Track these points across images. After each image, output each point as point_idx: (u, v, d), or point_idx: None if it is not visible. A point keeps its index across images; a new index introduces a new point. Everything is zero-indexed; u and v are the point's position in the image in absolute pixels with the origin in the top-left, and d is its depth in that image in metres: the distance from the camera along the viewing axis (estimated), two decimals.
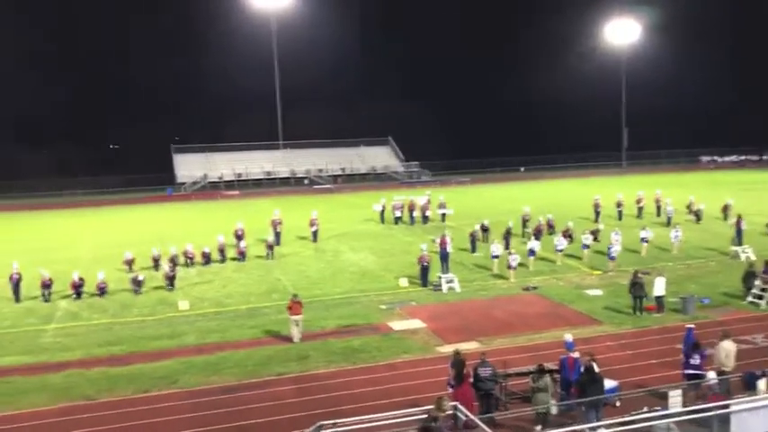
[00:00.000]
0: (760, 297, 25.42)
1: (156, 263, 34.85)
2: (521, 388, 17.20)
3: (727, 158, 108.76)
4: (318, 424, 13.62)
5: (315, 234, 42.02)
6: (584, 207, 48.77)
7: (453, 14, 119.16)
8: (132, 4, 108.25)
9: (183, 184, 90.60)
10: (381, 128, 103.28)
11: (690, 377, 16.66)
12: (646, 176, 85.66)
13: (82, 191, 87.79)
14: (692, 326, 18.50)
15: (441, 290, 29.13)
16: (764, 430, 13.02)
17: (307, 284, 30.99)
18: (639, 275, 24.95)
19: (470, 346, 21.28)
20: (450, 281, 29.56)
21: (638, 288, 24.47)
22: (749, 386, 16.08)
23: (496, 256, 32.03)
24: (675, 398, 14.57)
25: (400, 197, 52.49)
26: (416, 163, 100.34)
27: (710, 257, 34.19)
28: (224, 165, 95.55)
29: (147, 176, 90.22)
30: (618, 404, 16.31)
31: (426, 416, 13.02)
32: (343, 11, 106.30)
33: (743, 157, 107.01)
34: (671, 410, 14.00)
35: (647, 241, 35.02)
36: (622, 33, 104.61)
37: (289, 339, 22.91)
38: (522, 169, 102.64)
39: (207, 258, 36.09)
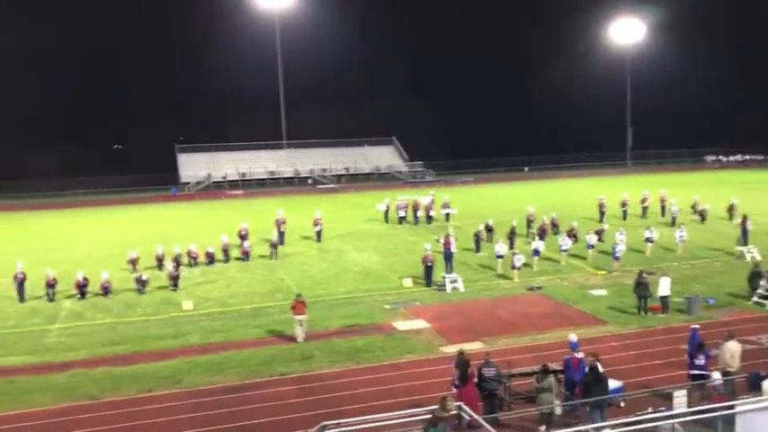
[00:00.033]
0: (765, 297, 25.32)
1: (160, 262, 34.90)
2: (525, 388, 17.17)
3: (731, 158, 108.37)
4: (322, 424, 13.60)
5: (318, 234, 42.01)
6: (588, 207, 48.65)
7: (458, 14, 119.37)
8: (135, 4, 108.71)
9: (187, 183, 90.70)
10: (385, 127, 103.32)
11: (695, 377, 16.61)
12: (650, 176, 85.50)
13: (86, 191, 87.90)
14: (697, 326, 18.45)
15: (445, 290, 29.10)
16: None
17: (310, 284, 30.98)
18: (644, 275, 24.88)
19: (474, 346, 21.25)
20: (455, 281, 29.53)
21: (642, 288, 24.41)
22: (754, 387, 16.02)
23: (501, 256, 31.96)
24: (680, 398, 14.54)
25: (404, 197, 52.45)
26: (420, 163, 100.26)
27: (715, 257, 34.09)
28: (228, 164, 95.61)
29: (151, 176, 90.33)
30: (622, 404, 16.27)
31: (430, 416, 12.98)
32: (347, 10, 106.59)
33: (748, 157, 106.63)
34: (676, 411, 13.96)
35: (651, 241, 34.91)
36: (627, 33, 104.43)
37: (292, 339, 22.91)
38: (527, 169, 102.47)
39: (211, 258, 36.12)
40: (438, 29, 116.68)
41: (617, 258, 31.95)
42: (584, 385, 15.45)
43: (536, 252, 32.73)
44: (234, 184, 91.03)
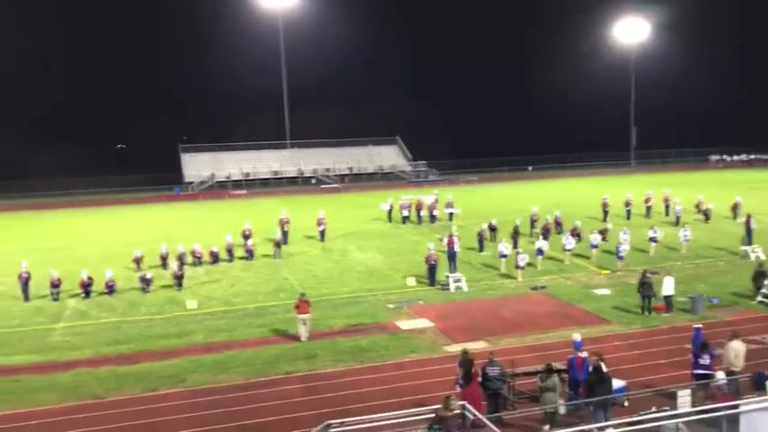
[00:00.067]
0: None
1: (164, 261, 34.97)
2: (529, 387, 17.16)
3: (736, 157, 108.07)
4: (326, 423, 13.61)
5: (322, 233, 42.03)
6: (592, 206, 48.61)
7: (462, 13, 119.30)
8: (138, 4, 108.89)
9: (191, 183, 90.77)
10: (389, 127, 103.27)
11: (699, 377, 16.58)
12: (654, 175, 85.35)
13: (89, 190, 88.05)
14: (700, 326, 18.42)
15: (448, 289, 29.10)
16: None
17: (314, 283, 31.01)
18: (648, 275, 24.86)
19: (478, 345, 21.24)
20: (458, 280, 29.51)
21: (646, 288, 24.37)
22: (758, 386, 16.00)
23: (504, 256, 31.94)
24: (684, 398, 14.51)
25: (408, 196, 52.46)
26: (424, 162, 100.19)
27: (719, 257, 34.02)
28: (231, 164, 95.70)
29: (155, 176, 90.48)
30: (626, 404, 16.26)
31: (434, 415, 13.00)
32: (351, 10, 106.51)
33: (752, 156, 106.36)
34: (680, 410, 13.93)
35: (655, 241, 34.86)
36: (631, 32, 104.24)
37: (296, 338, 22.93)
38: (530, 168, 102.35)
39: (215, 257, 36.18)
40: (441, 28, 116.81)
41: (621, 258, 31.91)
42: (587, 385, 15.45)
43: (540, 251, 32.70)
44: (237, 184, 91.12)
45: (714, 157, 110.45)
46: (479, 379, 16.08)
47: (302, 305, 23.00)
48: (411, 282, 30.45)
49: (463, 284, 29.30)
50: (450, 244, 32.18)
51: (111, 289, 30.30)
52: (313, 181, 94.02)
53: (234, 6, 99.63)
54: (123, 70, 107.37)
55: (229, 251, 36.74)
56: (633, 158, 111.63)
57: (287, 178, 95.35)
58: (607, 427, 13.78)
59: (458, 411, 13.65)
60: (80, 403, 18.23)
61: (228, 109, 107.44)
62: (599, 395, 14.84)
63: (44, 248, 42.80)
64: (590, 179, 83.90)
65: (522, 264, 30.64)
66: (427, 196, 51.11)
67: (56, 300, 29.55)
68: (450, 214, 47.72)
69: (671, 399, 15.24)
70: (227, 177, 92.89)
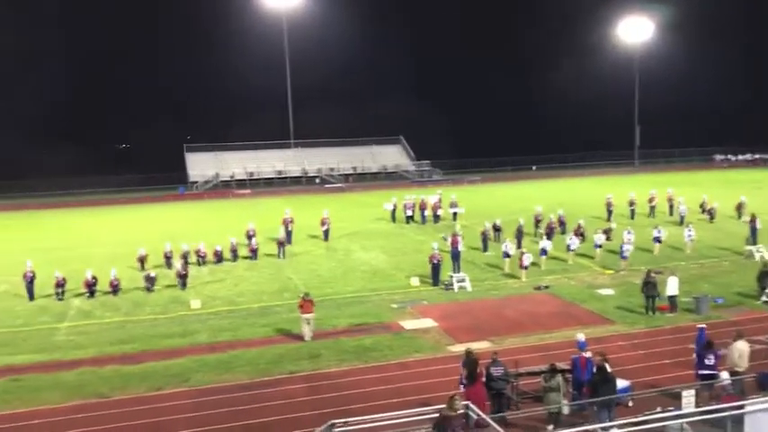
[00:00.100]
0: None
1: (168, 259, 35.02)
2: (532, 387, 17.16)
3: (740, 157, 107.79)
4: (330, 422, 13.61)
5: (326, 233, 42.04)
6: (596, 206, 48.50)
7: (461, 14, 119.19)
8: (137, 4, 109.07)
9: (195, 183, 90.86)
10: (392, 127, 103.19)
11: (704, 377, 16.55)
12: (658, 175, 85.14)
13: (94, 190, 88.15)
14: (704, 326, 18.40)
15: (452, 289, 29.10)
16: None
17: (318, 283, 31.03)
18: (652, 275, 24.80)
19: (482, 345, 21.23)
20: (462, 280, 29.52)
21: (650, 287, 24.34)
22: (763, 387, 15.97)
23: (508, 255, 31.91)
24: (689, 398, 14.48)
25: (411, 196, 52.36)
26: (428, 162, 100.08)
27: (724, 257, 33.95)
28: (236, 164, 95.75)
29: (159, 175, 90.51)
30: (630, 404, 16.24)
31: (438, 415, 13.00)
32: (354, 10, 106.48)
33: (757, 156, 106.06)
34: (684, 411, 13.91)
35: (659, 240, 34.80)
36: (636, 31, 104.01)
37: (300, 338, 22.96)
38: (534, 168, 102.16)
39: (219, 257, 36.23)
40: (444, 28, 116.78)
41: (625, 258, 31.87)
42: (591, 385, 15.43)
43: (543, 251, 32.67)
44: (242, 184, 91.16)
45: (719, 157, 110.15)
46: (483, 379, 16.07)
47: (306, 305, 23.02)
48: (415, 281, 30.45)
49: (467, 284, 29.30)
50: (454, 244, 32.18)
51: (115, 288, 30.37)
52: (317, 180, 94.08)
53: (238, 6, 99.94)
54: (124, 70, 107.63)
55: (233, 251, 36.79)
56: (637, 158, 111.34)
57: (291, 178, 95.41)
58: (611, 427, 13.75)
59: (462, 411, 13.64)
60: (84, 402, 18.28)
61: (233, 109, 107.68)
62: (603, 395, 14.82)
63: (49, 247, 42.87)
64: (593, 179, 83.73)
65: (526, 264, 30.59)
66: (431, 196, 51.05)
67: (60, 299, 29.63)
68: (454, 214, 47.69)
69: (675, 399, 15.23)
70: (232, 177, 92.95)
